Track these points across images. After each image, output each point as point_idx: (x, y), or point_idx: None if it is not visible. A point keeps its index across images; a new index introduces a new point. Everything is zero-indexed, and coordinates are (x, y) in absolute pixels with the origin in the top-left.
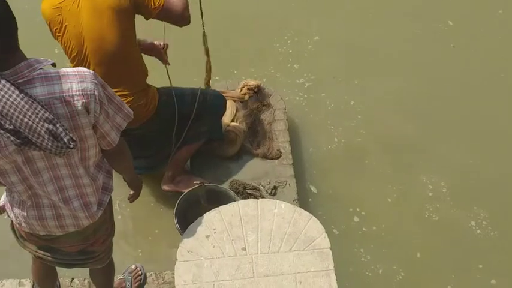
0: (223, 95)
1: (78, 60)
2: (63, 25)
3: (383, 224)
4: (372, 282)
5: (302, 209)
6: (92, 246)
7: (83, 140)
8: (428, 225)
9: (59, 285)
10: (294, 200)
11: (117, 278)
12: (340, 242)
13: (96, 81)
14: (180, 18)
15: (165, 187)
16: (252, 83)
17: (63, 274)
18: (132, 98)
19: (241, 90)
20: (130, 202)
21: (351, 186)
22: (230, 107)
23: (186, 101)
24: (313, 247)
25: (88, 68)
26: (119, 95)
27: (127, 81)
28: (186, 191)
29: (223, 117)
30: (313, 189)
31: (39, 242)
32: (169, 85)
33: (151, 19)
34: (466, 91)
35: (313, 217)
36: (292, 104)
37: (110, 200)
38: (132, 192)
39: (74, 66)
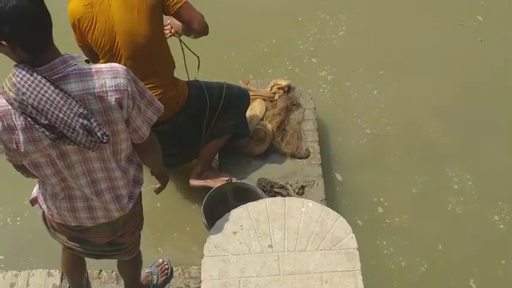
0: (254, 93)
1: (109, 55)
2: (94, 21)
3: (406, 215)
4: (395, 274)
5: (329, 209)
6: (121, 238)
7: (116, 134)
8: (451, 218)
9: (87, 276)
10: (322, 200)
11: (144, 271)
12: (363, 234)
13: (128, 77)
14: (198, 23)
15: (194, 182)
16: (283, 82)
17: (90, 266)
18: (163, 90)
19: (271, 89)
20: (157, 193)
21: (376, 175)
22: (260, 105)
23: (214, 94)
24: (340, 247)
25: (120, 62)
26: (151, 87)
27: (158, 73)
28: (214, 186)
29: (252, 116)
30: (338, 177)
31: (70, 233)
32: (195, 79)
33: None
34: (494, 86)
35: (341, 217)
36: (316, 96)
37: (140, 193)
38: (159, 185)
39: (105, 62)
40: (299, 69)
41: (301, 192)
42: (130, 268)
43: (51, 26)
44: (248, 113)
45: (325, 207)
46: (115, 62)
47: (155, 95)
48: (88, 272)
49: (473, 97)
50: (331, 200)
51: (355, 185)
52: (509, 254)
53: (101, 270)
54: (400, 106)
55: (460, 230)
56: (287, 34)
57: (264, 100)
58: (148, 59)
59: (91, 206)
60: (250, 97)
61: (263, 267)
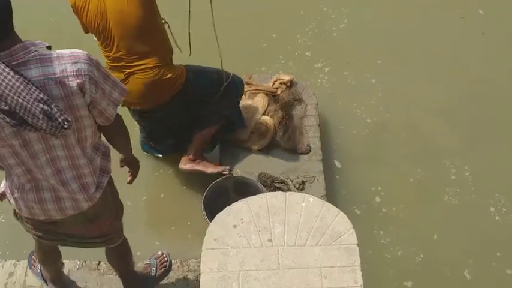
0: (256, 88)
1: (103, 36)
2: (87, 2)
3: (402, 204)
4: (391, 264)
5: (330, 204)
6: (99, 230)
7: (79, 120)
8: (448, 209)
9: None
10: (322, 195)
11: (144, 263)
12: (361, 224)
13: (90, 62)
14: None
15: (184, 166)
16: (285, 77)
17: (89, 257)
18: (157, 71)
19: (273, 84)
20: (130, 183)
21: (374, 165)
22: (262, 100)
23: (211, 79)
24: (340, 242)
25: (113, 42)
26: (144, 68)
27: (152, 54)
28: (205, 171)
29: (254, 110)
30: (338, 164)
31: (44, 227)
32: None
33: None
34: (493, 79)
35: (341, 212)
36: (315, 87)
37: (111, 184)
38: (130, 172)
39: (100, 44)
40: (297, 62)
41: (301, 187)
42: (117, 256)
43: (11, 13)
44: (250, 107)
45: (326, 202)
46: (108, 42)
47: (150, 76)
48: (86, 262)
49: (472, 89)
50: (330, 189)
51: (354, 174)
52: (504, 246)
53: (99, 262)
54: (398, 96)
55: (456, 220)
56: (288, 28)
57: (267, 95)
58: (140, 39)
59: (58, 197)
60: (253, 92)
61: (262, 261)
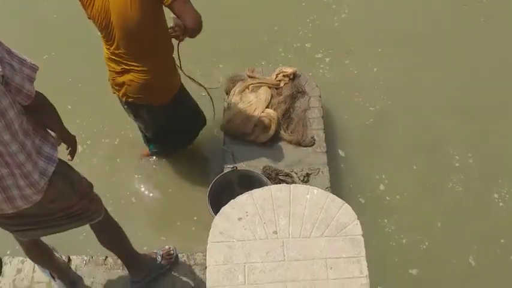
0: (259, 81)
1: (105, 32)
2: None
3: (406, 192)
4: (396, 252)
5: (335, 196)
6: (64, 210)
7: None
8: (452, 196)
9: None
10: (327, 187)
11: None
12: (365, 212)
13: None
14: (193, 19)
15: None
16: (288, 70)
17: (97, 252)
18: (152, 75)
19: (276, 77)
20: (71, 159)
21: (378, 153)
22: (265, 93)
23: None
24: (345, 233)
25: (113, 40)
26: (140, 70)
27: (150, 58)
28: None
29: (258, 104)
30: (342, 153)
31: (5, 222)
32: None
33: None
34: (495, 66)
35: (346, 204)
36: (317, 77)
37: (61, 172)
38: (68, 148)
39: (103, 37)
40: (297, 54)
41: (306, 179)
42: (104, 232)
43: None
44: (253, 101)
45: (330, 194)
46: (110, 38)
47: (143, 78)
48: (93, 258)
49: (474, 76)
50: (334, 178)
51: (359, 163)
52: (508, 232)
53: (106, 257)
54: (400, 84)
55: (460, 207)
56: (289, 20)
57: (270, 88)
58: (139, 43)
59: (4, 186)
60: (256, 85)
61: (268, 253)
